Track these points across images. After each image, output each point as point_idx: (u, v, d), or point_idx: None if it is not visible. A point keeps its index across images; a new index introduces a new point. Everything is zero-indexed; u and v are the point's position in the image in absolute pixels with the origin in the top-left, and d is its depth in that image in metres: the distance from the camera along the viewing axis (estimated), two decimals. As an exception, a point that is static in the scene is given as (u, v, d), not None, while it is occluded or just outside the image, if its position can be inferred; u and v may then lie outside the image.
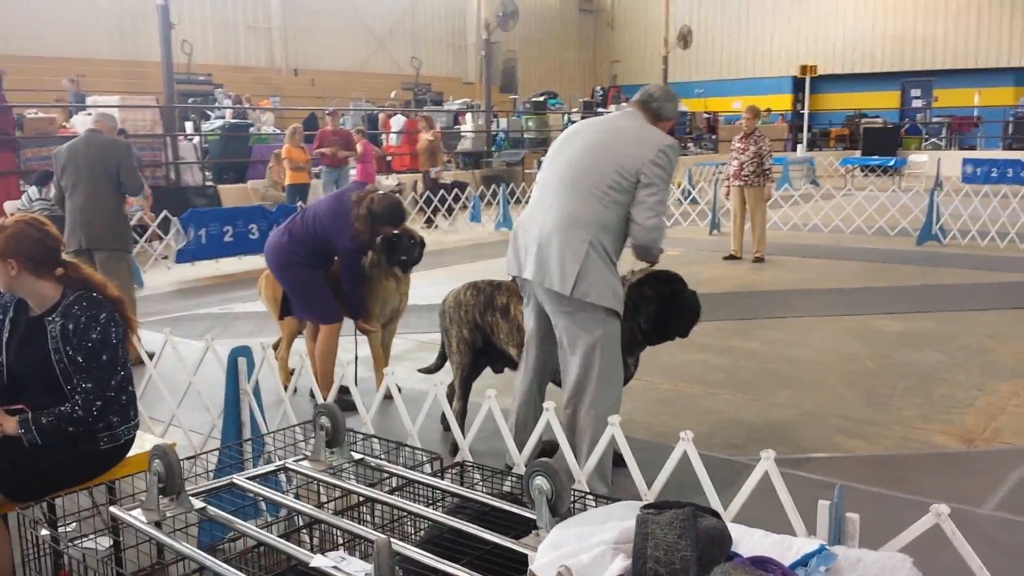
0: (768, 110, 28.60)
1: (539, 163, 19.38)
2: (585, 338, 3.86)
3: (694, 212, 15.58)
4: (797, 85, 33.13)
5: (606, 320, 3.87)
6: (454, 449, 4.30)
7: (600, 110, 28.55)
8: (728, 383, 5.95)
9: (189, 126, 16.94)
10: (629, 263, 4.10)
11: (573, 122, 25.68)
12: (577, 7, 40.58)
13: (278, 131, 18.01)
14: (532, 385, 4.21)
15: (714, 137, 30.16)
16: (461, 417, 4.55)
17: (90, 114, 15.86)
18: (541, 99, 26.40)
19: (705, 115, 31.69)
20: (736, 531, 2.20)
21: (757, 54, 36.57)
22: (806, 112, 29.56)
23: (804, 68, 29.35)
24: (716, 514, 2.17)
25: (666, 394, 5.69)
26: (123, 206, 6.89)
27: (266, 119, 20.18)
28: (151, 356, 4.78)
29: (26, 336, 3.20)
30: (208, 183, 15.09)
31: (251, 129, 17.16)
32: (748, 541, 2.22)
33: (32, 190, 10.52)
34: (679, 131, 30.08)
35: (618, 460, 3.89)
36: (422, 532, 2.73)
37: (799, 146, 29.34)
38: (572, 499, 2.48)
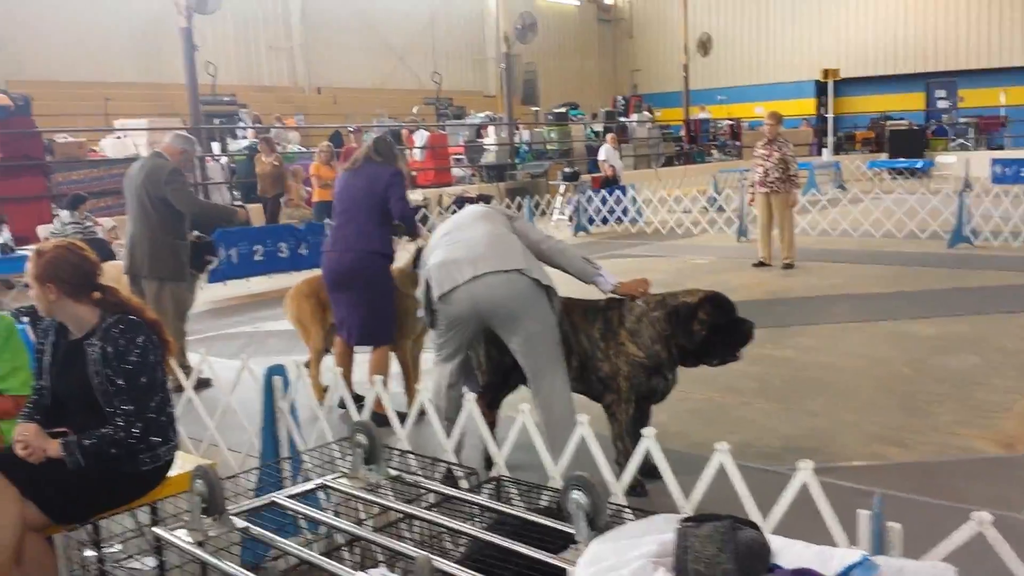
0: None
1: (563, 174, 19.49)
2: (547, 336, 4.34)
3: (720, 220, 15.52)
4: (820, 89, 32.95)
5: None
6: (488, 462, 4.34)
7: (622, 119, 28.58)
8: (761, 392, 5.92)
9: (216, 147, 17.14)
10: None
11: (596, 132, 25.80)
12: (596, 17, 40.67)
13: (303, 149, 18.19)
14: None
15: (738, 144, 30.07)
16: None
17: (119, 138, 16.18)
18: (563, 110, 26.46)
19: (728, 122, 31.60)
20: (776, 543, 2.19)
21: (778, 59, 36.41)
22: (830, 116, 29.38)
23: (826, 72, 29.19)
24: (755, 526, 2.17)
25: (699, 404, 5.67)
26: (171, 234, 6.49)
27: (292, 137, 20.39)
28: (188, 373, 4.84)
29: (67, 360, 3.26)
30: (237, 203, 15.26)
31: (278, 148, 17.33)
32: (788, 553, 2.21)
33: (64, 214, 10.70)
34: (703, 138, 30.06)
35: (653, 472, 3.87)
36: (461, 548, 2.74)
37: (824, 150, 29.15)
38: (609, 512, 2.48)
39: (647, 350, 4.10)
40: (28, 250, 9.02)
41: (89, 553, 2.89)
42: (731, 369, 6.26)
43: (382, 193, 5.39)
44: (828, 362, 6.57)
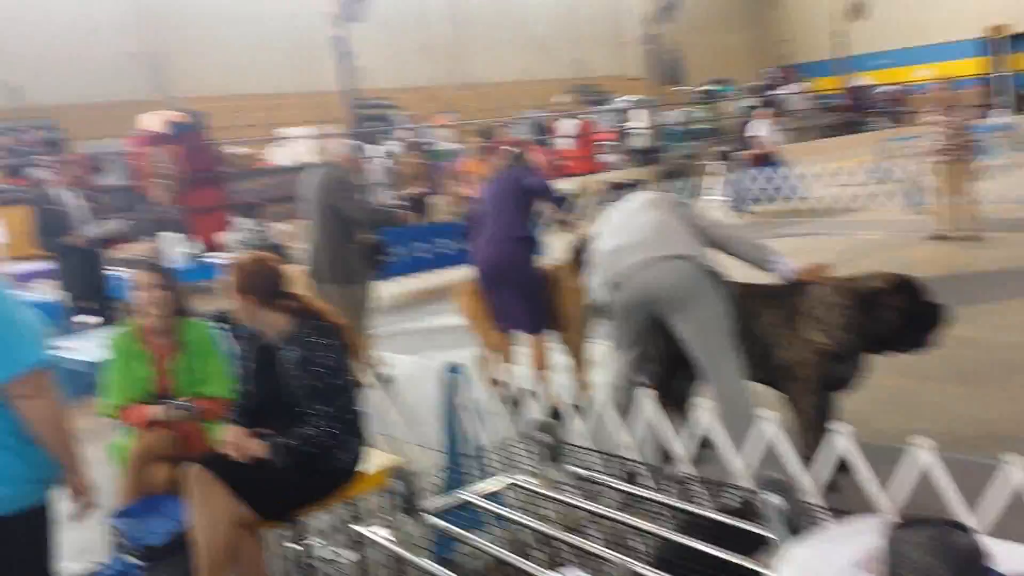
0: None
1: (715, 153, 18.96)
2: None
3: (887, 191, 14.69)
4: (991, 47, 30.54)
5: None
6: (664, 456, 4.31)
7: (776, 92, 27.54)
8: (952, 375, 5.57)
9: (372, 149, 17.77)
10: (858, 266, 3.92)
11: (749, 108, 24.99)
12: (740, -12, 39.35)
13: (456, 146, 18.59)
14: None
15: (902, 109, 28.34)
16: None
17: (282, 147, 17.07)
18: (710, 87, 25.77)
19: (891, 87, 29.83)
20: (992, 545, 2.07)
21: (943, 17, 33.93)
22: (1007, 74, 27.17)
23: (997, 28, 27.00)
24: (967, 528, 2.05)
25: (885, 390, 5.37)
26: (346, 239, 6.63)
27: (443, 135, 20.87)
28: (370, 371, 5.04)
29: (264, 364, 3.48)
30: (395, 202, 15.75)
31: (431, 146, 17.79)
32: (1006, 556, 2.08)
33: (244, 222, 11.37)
34: (864, 106, 28.50)
35: (841, 465, 3.72)
36: (648, 547, 2.73)
37: (996, 111, 27.03)
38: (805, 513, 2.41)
39: (834, 337, 3.93)
40: (212, 257, 9.65)
41: (294, 547, 3.08)
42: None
43: (521, 184, 5.70)
44: (1020, 341, 6.11)
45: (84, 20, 22.89)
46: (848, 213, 13.92)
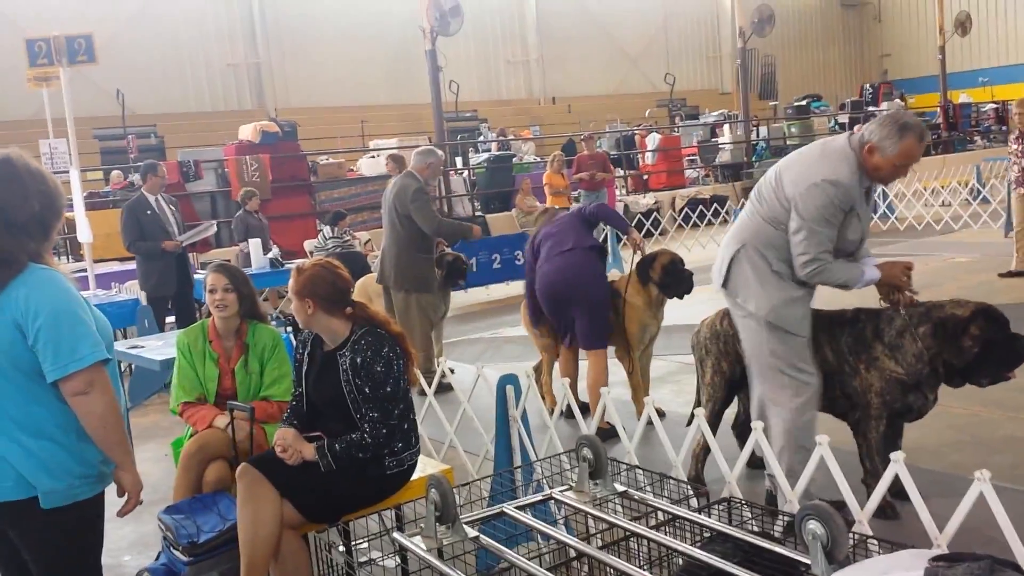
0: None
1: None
2: (746, 344, 3.94)
3: (986, 213, 14.07)
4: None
5: (759, 330, 3.81)
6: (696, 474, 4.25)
7: (871, 109, 26.76)
8: (1033, 408, 5.29)
9: (459, 160, 17.99)
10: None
11: (840, 125, 24.34)
12: (839, 2, 38.44)
13: (539, 159, 18.65)
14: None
15: (1004, 129, 27.12)
16: (706, 452, 4.38)
17: (373, 157, 17.43)
18: (803, 103, 25.19)
19: (992, 105, 28.64)
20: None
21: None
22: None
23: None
24: (1019, 567, 1.94)
25: (960, 419, 5.15)
26: (417, 249, 6.82)
27: (527, 148, 20.97)
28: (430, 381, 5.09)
29: (321, 369, 3.53)
30: (477, 213, 15.91)
31: (513, 160, 17.89)
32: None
33: (327, 229, 11.63)
34: (964, 124, 27.46)
35: (901, 493, 3.57)
36: (687, 569, 2.67)
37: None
38: (852, 543, 2.31)
39: (908, 367, 3.75)
40: (294, 264, 9.90)
41: (338, 552, 3.11)
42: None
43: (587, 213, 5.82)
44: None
45: (191, 30, 23.91)
46: (943, 234, 13.39)
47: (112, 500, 2.66)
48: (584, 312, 5.41)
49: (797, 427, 3.75)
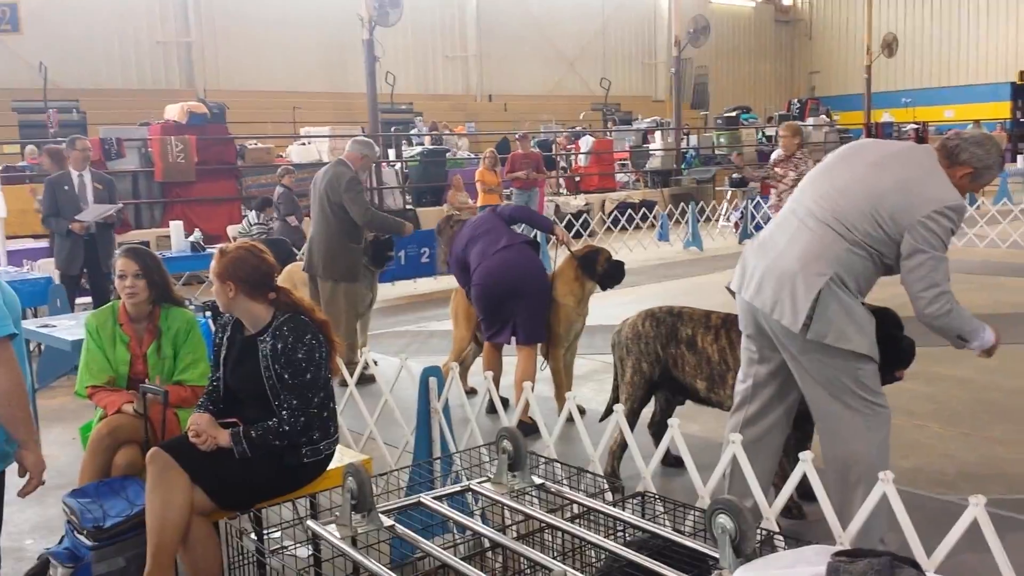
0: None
1: (730, 179, 18.93)
2: (814, 382, 3.38)
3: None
4: (1017, 91, 30.47)
5: (847, 364, 3.32)
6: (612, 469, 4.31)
7: (799, 124, 27.46)
8: (937, 414, 5.52)
9: (391, 152, 17.85)
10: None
11: (768, 137, 24.94)
12: (773, 18, 39.41)
13: (472, 156, 18.63)
14: (766, 422, 3.67)
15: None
16: (623, 449, 4.44)
17: (304, 144, 17.16)
18: (733, 114, 25.77)
19: (913, 125, 29.75)
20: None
21: (970, 59, 33.95)
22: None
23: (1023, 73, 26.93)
24: (916, 564, 2.01)
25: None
26: (347, 238, 6.75)
27: (461, 144, 20.93)
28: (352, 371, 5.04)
29: (240, 354, 3.46)
30: (408, 206, 15.81)
31: (447, 155, 17.84)
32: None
33: (252, 215, 11.42)
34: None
35: (811, 494, 3.67)
36: (600, 562, 2.71)
37: (1020, 157, 26.85)
38: (760, 539, 2.37)
39: None
40: (216, 248, 9.69)
41: (250, 540, 3.05)
42: (904, 389, 5.86)
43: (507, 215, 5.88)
44: (1014, 385, 6.04)
45: (121, 4, 23.16)
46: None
47: (13, 482, 2.56)
48: (528, 305, 5.41)
49: (881, 460, 3.39)
